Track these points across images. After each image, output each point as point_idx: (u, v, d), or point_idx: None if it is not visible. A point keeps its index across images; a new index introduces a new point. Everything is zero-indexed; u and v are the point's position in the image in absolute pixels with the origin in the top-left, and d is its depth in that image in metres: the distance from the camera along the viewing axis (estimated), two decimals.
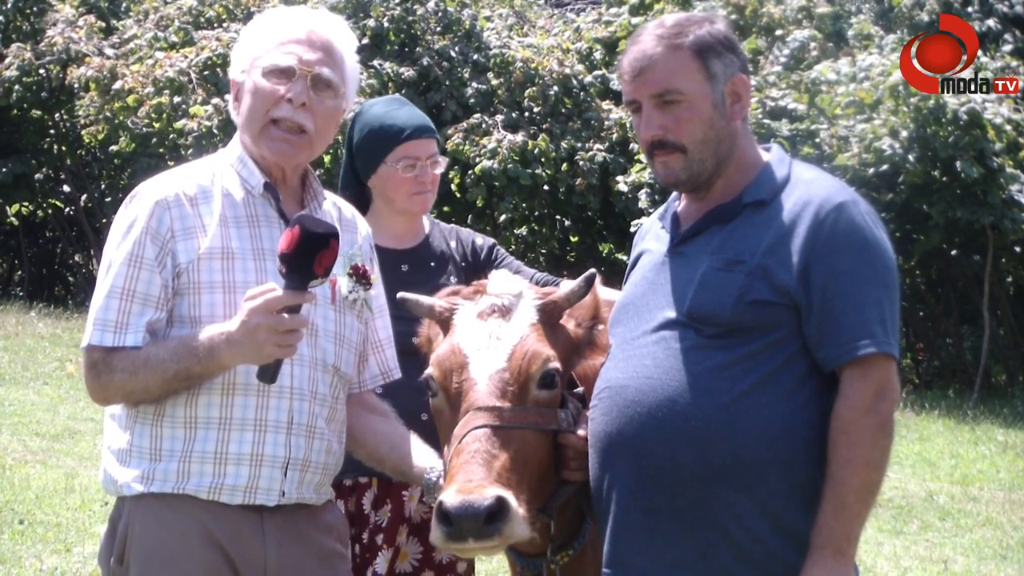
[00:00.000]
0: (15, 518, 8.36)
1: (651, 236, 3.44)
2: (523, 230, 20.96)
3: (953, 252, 17.50)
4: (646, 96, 3.20)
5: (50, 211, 23.62)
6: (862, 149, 15.84)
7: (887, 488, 9.99)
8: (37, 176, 22.25)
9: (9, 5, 20.99)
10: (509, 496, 3.04)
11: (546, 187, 19.03)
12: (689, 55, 3.18)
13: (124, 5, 22.51)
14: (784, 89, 17.69)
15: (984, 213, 15.76)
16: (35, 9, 21.11)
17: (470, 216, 19.54)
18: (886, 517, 10.06)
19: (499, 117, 18.90)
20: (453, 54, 19.72)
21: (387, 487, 4.31)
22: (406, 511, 4.32)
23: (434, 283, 4.19)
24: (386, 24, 19.53)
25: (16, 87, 20.04)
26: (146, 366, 3.17)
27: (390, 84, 18.43)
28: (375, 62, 18.64)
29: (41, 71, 20.37)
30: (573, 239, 21.26)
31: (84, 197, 22.34)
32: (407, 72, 19.00)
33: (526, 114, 19.28)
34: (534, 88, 19.24)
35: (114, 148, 19.87)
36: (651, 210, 16.45)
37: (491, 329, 3.38)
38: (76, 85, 19.85)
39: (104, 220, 21.59)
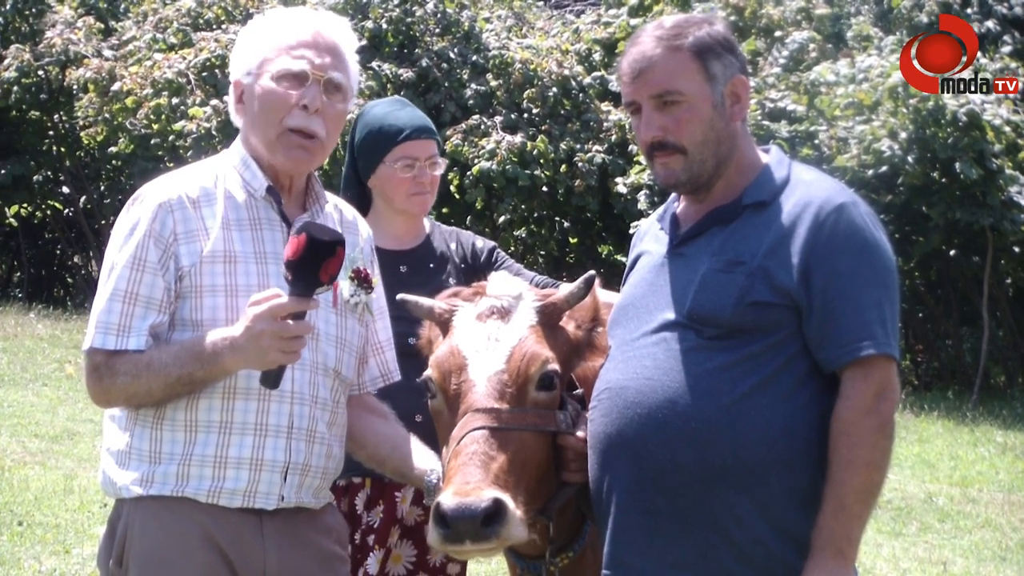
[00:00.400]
0: (14, 519, 8.36)
1: (650, 237, 3.44)
2: (522, 231, 20.94)
3: (952, 253, 17.49)
4: (646, 97, 3.20)
5: (49, 212, 23.61)
6: (861, 150, 15.84)
7: (886, 490, 9.97)
8: (36, 177, 22.25)
9: (8, 6, 21.00)
10: (506, 498, 3.04)
11: (545, 188, 19.01)
12: (689, 56, 3.18)
13: (123, 7, 22.52)
14: (783, 90, 17.69)
15: (983, 214, 15.75)
16: (34, 10, 21.12)
17: (469, 217, 19.53)
18: (885, 519, 10.05)
19: (498, 118, 18.89)
20: (452, 55, 19.71)
21: (380, 488, 4.31)
22: (398, 512, 4.33)
23: (433, 284, 4.19)
24: (385, 25, 19.52)
25: (15, 88, 20.04)
26: (148, 370, 3.16)
27: (389, 85, 18.42)
28: (374, 63, 18.63)
29: (40, 72, 20.37)
30: (572, 240, 21.24)
31: (83, 198, 22.33)
32: (406, 73, 18.99)
33: (525, 115, 19.27)
34: (533, 89, 19.23)
35: (113, 149, 19.87)
36: (650, 211, 16.43)
37: (490, 331, 3.38)
38: (75, 86, 19.87)
39: (103, 221, 21.60)
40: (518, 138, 18.36)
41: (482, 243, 4.70)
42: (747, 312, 3.07)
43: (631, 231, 16.87)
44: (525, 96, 19.24)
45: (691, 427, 3.05)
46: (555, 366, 3.36)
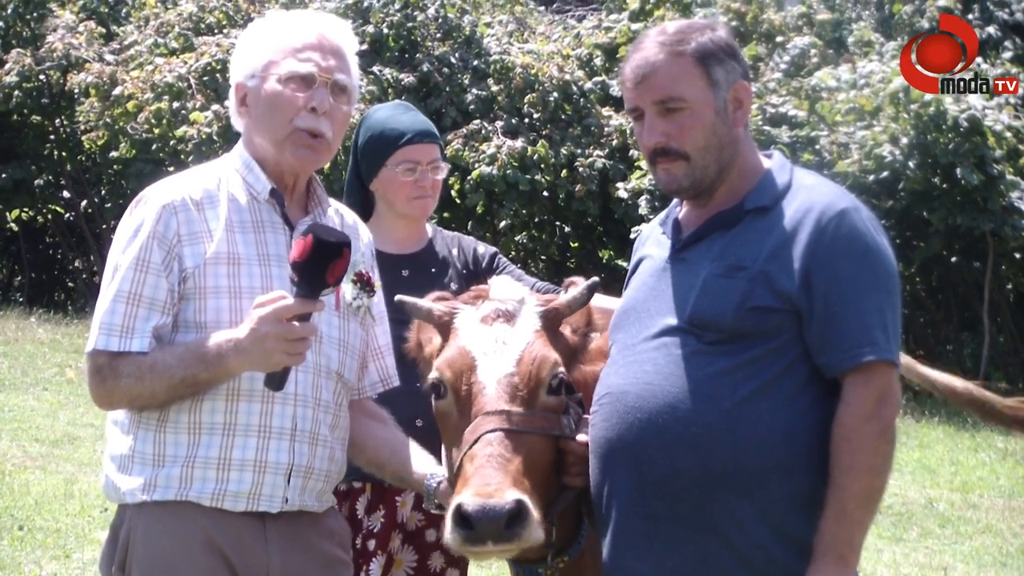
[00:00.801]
0: (14, 524, 8.35)
1: (652, 242, 3.45)
2: (523, 236, 20.93)
3: (953, 259, 17.50)
4: (649, 103, 3.21)
5: (50, 217, 23.63)
6: (862, 156, 15.85)
7: (887, 495, 9.96)
8: (37, 182, 22.26)
9: (9, 11, 21.01)
10: (527, 500, 3.03)
11: (546, 193, 19.01)
12: (691, 62, 3.19)
13: (124, 11, 22.54)
14: (784, 96, 17.71)
15: (984, 220, 15.76)
16: (35, 15, 21.14)
17: (470, 222, 19.53)
18: (886, 524, 10.05)
19: (499, 123, 18.88)
20: (453, 60, 19.71)
21: (381, 492, 4.31)
22: (399, 517, 4.33)
23: (435, 288, 4.18)
24: (386, 30, 19.52)
25: (16, 92, 20.06)
26: (152, 371, 3.16)
27: (390, 90, 18.42)
28: (375, 68, 18.63)
29: (41, 77, 20.39)
30: (573, 245, 21.24)
31: (84, 203, 22.35)
32: (407, 78, 18.99)
33: (526, 120, 19.27)
34: (534, 94, 19.23)
35: (114, 154, 19.86)
36: (651, 216, 16.45)
37: (497, 334, 3.37)
38: (76, 91, 19.88)
39: (104, 226, 21.62)
40: (519, 143, 18.36)
41: (483, 249, 4.70)
42: (748, 317, 3.07)
43: (632, 236, 16.91)
44: (526, 101, 19.24)
45: (691, 432, 3.06)
46: (563, 369, 3.37)
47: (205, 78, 18.52)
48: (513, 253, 20.66)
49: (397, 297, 3.61)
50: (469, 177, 18.14)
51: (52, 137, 21.98)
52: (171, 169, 14.88)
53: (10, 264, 25.40)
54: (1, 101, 20.18)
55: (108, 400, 3.26)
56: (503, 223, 19.64)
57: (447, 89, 19.38)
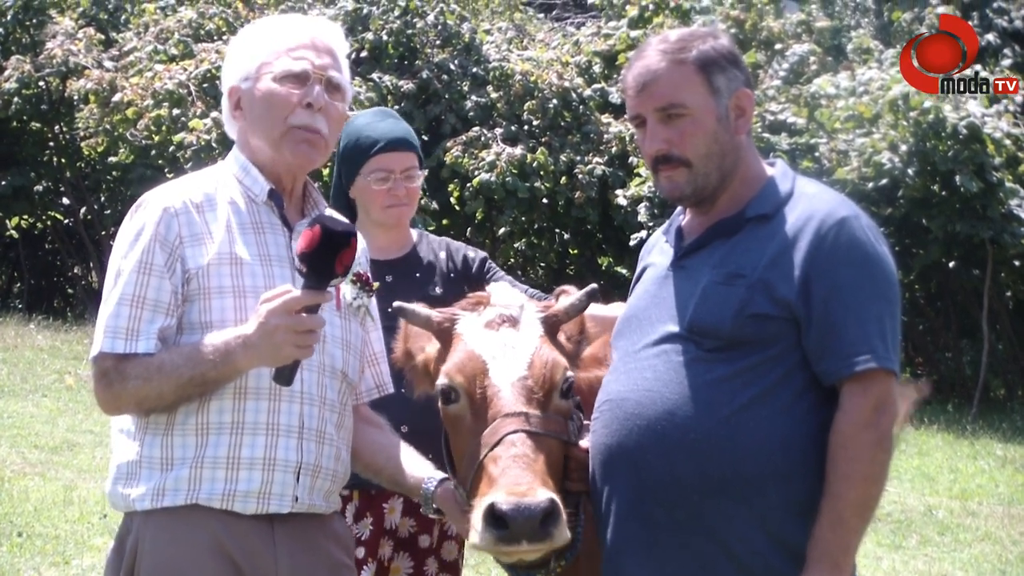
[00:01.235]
0: (13, 530, 8.35)
1: (656, 250, 3.46)
2: (522, 243, 20.94)
3: (952, 266, 17.48)
4: (650, 110, 3.21)
5: (49, 223, 23.59)
6: (861, 163, 15.84)
7: (886, 502, 9.98)
8: (36, 188, 22.23)
9: (9, 17, 20.98)
10: (559, 499, 3.03)
11: (545, 200, 19.00)
12: (693, 69, 3.20)
13: (124, 18, 22.52)
14: (783, 103, 17.70)
15: (983, 227, 15.74)
16: (35, 21, 21.11)
17: (469, 229, 19.54)
18: (885, 531, 10.04)
19: (498, 130, 18.88)
20: (452, 67, 19.71)
21: (368, 499, 4.32)
22: (387, 523, 4.34)
23: (420, 294, 4.17)
24: (385, 37, 19.53)
25: (15, 99, 20.03)
26: (160, 372, 3.15)
27: (389, 97, 18.43)
28: (374, 75, 18.66)
29: (41, 83, 20.38)
30: (572, 252, 21.23)
31: (83, 209, 22.32)
32: (406, 85, 19.00)
33: (525, 127, 19.27)
34: (533, 101, 19.23)
35: (113, 160, 19.86)
36: (650, 223, 16.47)
37: (504, 338, 3.37)
38: (75, 97, 19.86)
39: (103, 232, 21.60)
40: (518, 150, 18.36)
41: (473, 253, 4.69)
42: (747, 324, 3.08)
43: (631, 243, 16.93)
44: (525, 108, 19.24)
45: (690, 439, 3.06)
46: (572, 374, 3.38)
47: (204, 85, 18.52)
48: (512, 260, 20.68)
49: (395, 304, 3.59)
50: (468, 184, 18.15)
51: (51, 144, 21.96)
52: (170, 176, 14.86)
53: (9, 270, 25.37)
54: (0, 108, 20.18)
55: (115, 404, 3.25)
56: (502, 230, 19.65)
57: (446, 96, 19.38)
